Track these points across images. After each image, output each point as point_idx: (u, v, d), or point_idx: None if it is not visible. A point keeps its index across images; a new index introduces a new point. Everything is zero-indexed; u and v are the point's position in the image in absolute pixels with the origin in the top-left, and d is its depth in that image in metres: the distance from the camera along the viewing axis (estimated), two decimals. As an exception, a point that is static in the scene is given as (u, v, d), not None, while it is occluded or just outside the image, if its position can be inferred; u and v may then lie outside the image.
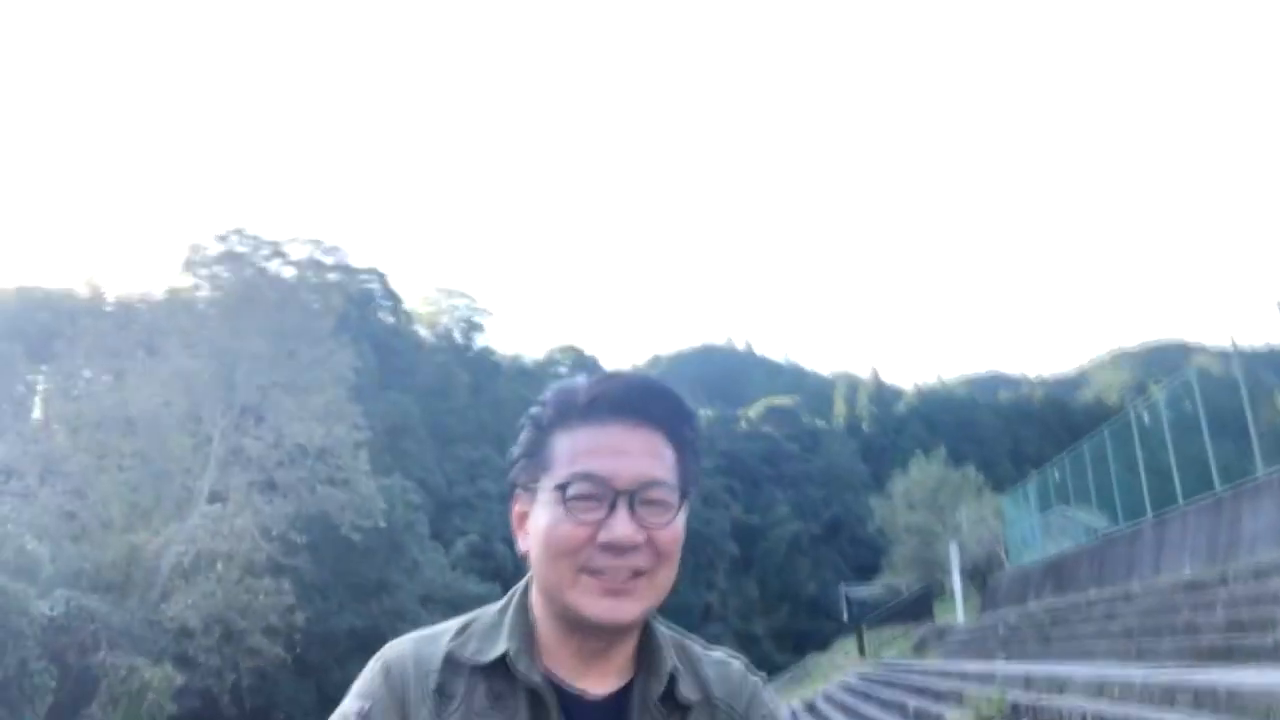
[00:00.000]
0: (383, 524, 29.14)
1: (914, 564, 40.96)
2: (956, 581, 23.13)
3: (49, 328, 36.66)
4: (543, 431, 1.11)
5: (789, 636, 64.70)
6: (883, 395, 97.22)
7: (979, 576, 31.25)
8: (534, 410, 1.13)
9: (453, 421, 57.17)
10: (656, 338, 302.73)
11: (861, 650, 26.07)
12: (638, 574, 1.04)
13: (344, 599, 32.16)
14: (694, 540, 67.03)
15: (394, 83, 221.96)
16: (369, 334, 56.31)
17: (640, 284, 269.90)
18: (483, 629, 1.10)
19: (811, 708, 16.81)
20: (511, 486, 1.14)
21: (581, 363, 77.15)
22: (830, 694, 17.48)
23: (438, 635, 1.10)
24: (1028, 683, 7.93)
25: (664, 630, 1.15)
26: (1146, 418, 19.12)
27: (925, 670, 13.02)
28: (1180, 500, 16.31)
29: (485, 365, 65.41)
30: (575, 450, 1.07)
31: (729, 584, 66.66)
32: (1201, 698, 4.84)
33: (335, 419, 28.52)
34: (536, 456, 1.10)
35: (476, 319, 68.48)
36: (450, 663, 1.06)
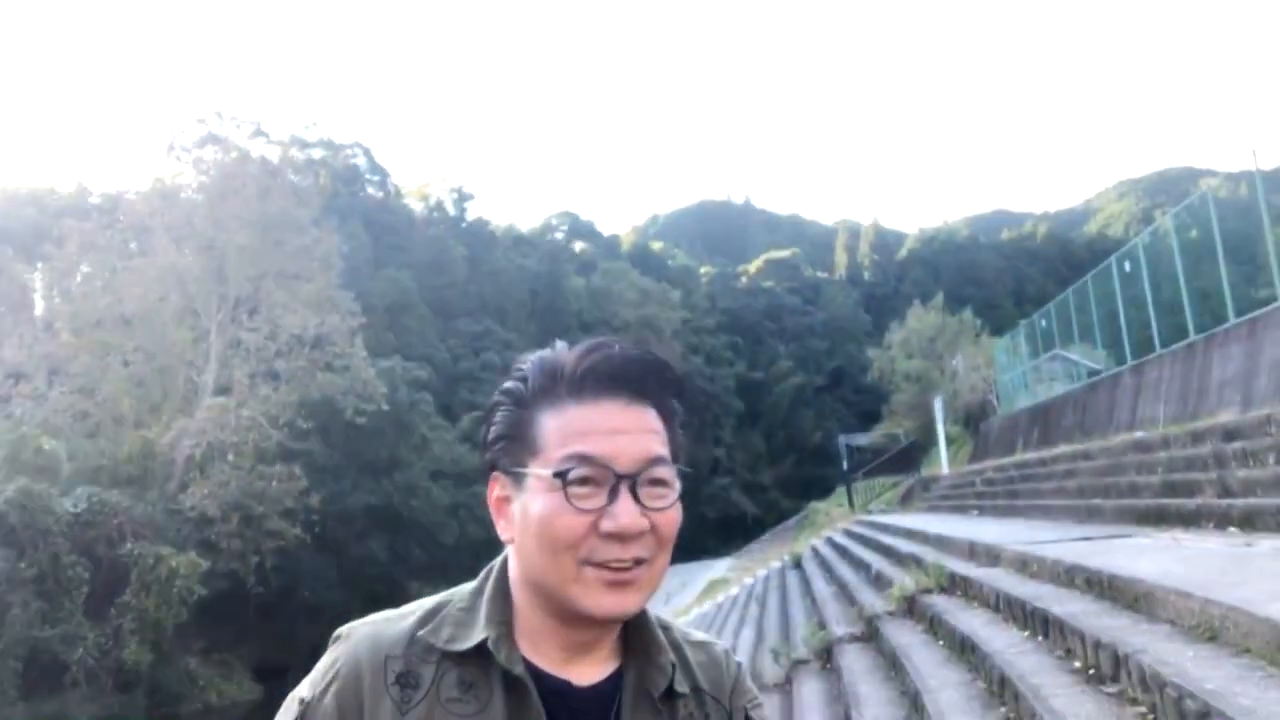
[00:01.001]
0: (385, 407, 29.83)
1: (913, 412, 41.79)
2: (941, 433, 23.74)
3: (38, 227, 36.55)
4: (524, 409, 1.02)
5: (796, 484, 66.73)
6: (884, 242, 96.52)
7: (973, 423, 31.98)
8: (509, 385, 1.03)
9: (452, 295, 57.34)
10: (653, 197, 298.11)
11: (851, 503, 27.02)
12: (639, 562, 0.99)
13: (357, 478, 33.25)
14: (699, 398, 67.90)
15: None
16: (359, 211, 55.80)
17: (634, 143, 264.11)
18: (456, 614, 1.02)
19: (799, 564, 17.64)
20: (488, 467, 1.05)
21: (578, 227, 76.51)
22: (818, 549, 18.31)
23: (402, 617, 1.03)
24: (971, 551, 8.37)
25: (652, 615, 1.10)
26: (1128, 264, 19.01)
27: (896, 529, 13.64)
28: (1158, 347, 16.48)
29: (481, 236, 64.98)
30: (568, 430, 0.98)
31: (735, 439, 68.31)
32: (1092, 582, 5.19)
33: (328, 307, 28.77)
34: (520, 438, 1.01)
35: (467, 189, 67.68)
36: (418, 648, 0.99)
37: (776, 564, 21.83)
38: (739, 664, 1.17)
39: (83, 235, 29.89)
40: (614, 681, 1.05)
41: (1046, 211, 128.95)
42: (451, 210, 66.88)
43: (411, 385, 38.38)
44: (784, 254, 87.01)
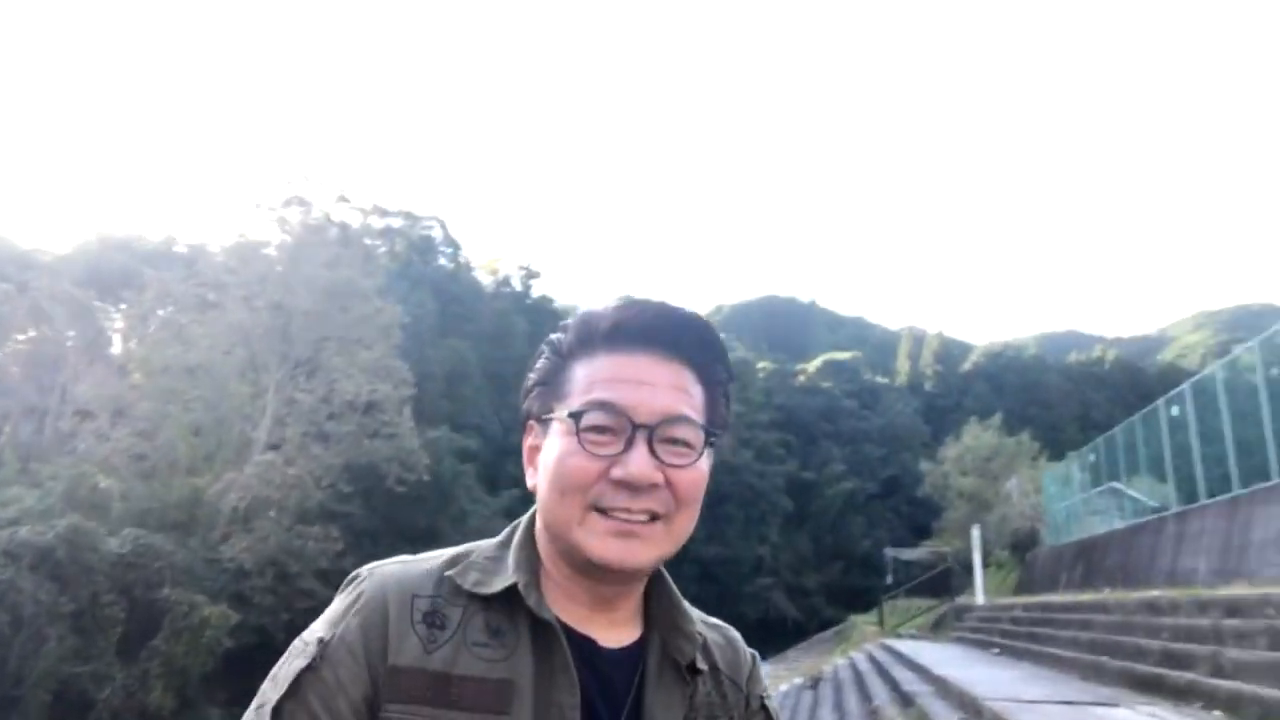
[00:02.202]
0: (426, 478, 30.30)
1: (962, 531, 40.91)
2: (978, 562, 23.22)
3: (125, 271, 38.43)
4: (562, 359, 1.04)
5: (841, 592, 65.13)
6: (949, 352, 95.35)
7: (1021, 550, 31.13)
8: (552, 337, 1.07)
9: (510, 369, 58.16)
10: (719, 288, 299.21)
11: (882, 622, 26.43)
12: (654, 518, 0.98)
13: (393, 544, 33.51)
14: (747, 494, 67.62)
15: (449, 37, 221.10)
16: (429, 280, 57.44)
17: (704, 235, 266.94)
18: (483, 562, 1.03)
19: (816, 684, 17.29)
20: (525, 418, 1.08)
21: (641, 313, 77.25)
22: (838, 670, 17.97)
23: (427, 560, 1.03)
24: (961, 702, 8.23)
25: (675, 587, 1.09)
26: (1175, 409, 18.69)
27: (908, 661, 13.37)
28: (1202, 496, 16.10)
29: (544, 313, 66.09)
30: (594, 378, 1.00)
31: (781, 538, 67.20)
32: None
33: (383, 375, 29.55)
34: (552, 385, 1.04)
35: (535, 266, 69.31)
36: (445, 588, 0.99)
37: (799, 680, 21.41)
38: (754, 654, 1.17)
39: (161, 284, 31.34)
40: (638, 648, 1.05)
41: (1119, 336, 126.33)
42: (518, 286, 68.44)
43: (458, 456, 38.88)
44: (845, 355, 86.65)
